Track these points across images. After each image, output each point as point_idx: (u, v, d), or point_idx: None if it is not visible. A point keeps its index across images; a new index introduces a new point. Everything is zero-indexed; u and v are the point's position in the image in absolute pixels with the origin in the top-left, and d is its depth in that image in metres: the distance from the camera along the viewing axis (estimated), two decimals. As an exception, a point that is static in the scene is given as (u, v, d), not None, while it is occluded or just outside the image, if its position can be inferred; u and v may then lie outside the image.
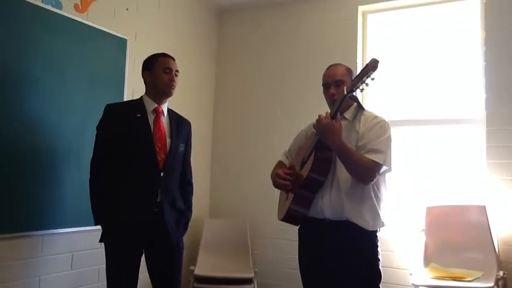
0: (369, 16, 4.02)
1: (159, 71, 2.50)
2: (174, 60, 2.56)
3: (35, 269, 2.80)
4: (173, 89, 2.51)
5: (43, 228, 2.83)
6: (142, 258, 2.50)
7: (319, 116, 2.06)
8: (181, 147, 2.58)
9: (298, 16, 4.21)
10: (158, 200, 2.41)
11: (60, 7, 2.98)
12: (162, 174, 2.43)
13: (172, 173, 2.51)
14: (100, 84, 3.22)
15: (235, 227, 4.05)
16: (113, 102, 3.16)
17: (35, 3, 2.82)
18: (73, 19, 3.05)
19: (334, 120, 2.03)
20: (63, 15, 2.99)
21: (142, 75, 2.58)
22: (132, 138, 2.43)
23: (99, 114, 3.12)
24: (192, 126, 2.75)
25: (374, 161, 2.02)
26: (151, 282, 2.51)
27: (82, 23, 3.11)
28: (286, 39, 4.24)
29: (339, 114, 2.07)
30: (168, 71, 2.49)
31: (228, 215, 4.20)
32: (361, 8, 3.96)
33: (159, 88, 2.51)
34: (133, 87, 3.46)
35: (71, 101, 3.01)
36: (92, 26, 3.18)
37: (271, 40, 4.32)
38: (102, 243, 2.46)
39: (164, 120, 2.53)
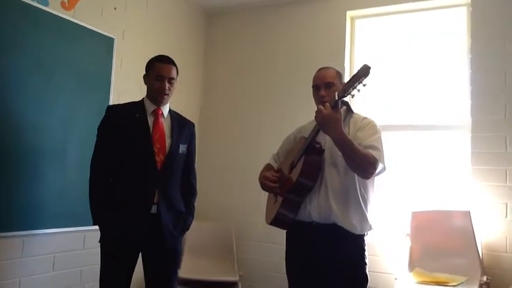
0: (357, 21, 4.04)
1: (152, 77, 2.47)
2: (171, 65, 2.48)
3: (15, 271, 2.74)
4: (163, 97, 2.46)
5: (23, 229, 2.77)
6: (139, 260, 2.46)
7: (318, 108, 2.01)
8: (183, 149, 2.53)
9: (286, 20, 4.21)
10: (155, 201, 2.38)
11: (46, 3, 2.93)
12: (159, 175, 2.40)
13: (172, 174, 2.47)
14: (86, 83, 3.18)
15: (220, 230, 4.03)
16: (99, 101, 3.15)
17: (20, -1, 2.77)
18: (59, 16, 3.01)
19: (334, 110, 1.98)
20: (49, 12, 2.94)
21: (143, 78, 2.54)
22: (130, 138, 2.40)
23: (85, 113, 3.10)
24: None
25: (373, 156, 2.00)
26: (145, 284, 2.47)
27: (68, 20, 3.07)
28: (274, 42, 4.24)
29: (339, 105, 2.01)
30: (159, 78, 2.44)
31: (213, 218, 4.17)
32: (349, 14, 3.99)
33: (152, 94, 2.48)
34: (120, 87, 3.44)
35: (56, 100, 2.97)
36: (78, 24, 3.14)
37: (259, 43, 4.31)
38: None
39: (164, 121, 2.51)
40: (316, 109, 2.01)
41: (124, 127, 2.42)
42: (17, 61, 2.74)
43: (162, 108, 2.50)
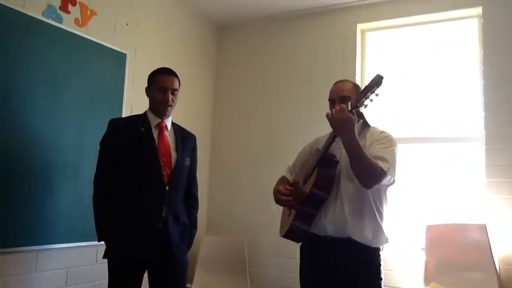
0: (367, 34, 4.04)
1: (154, 90, 2.47)
2: (173, 76, 2.49)
3: (30, 285, 2.73)
4: (167, 109, 2.46)
5: (37, 244, 2.77)
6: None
7: (331, 111, 2.01)
8: (187, 161, 2.53)
9: (297, 33, 4.23)
10: (163, 215, 2.36)
11: (60, 21, 2.98)
12: (167, 189, 2.38)
13: (177, 187, 2.46)
14: (99, 98, 3.21)
15: (232, 244, 4.00)
16: (111, 117, 3.15)
17: (36, 16, 2.82)
18: (73, 33, 3.05)
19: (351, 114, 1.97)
20: (63, 29, 2.99)
21: (145, 91, 2.55)
22: (136, 153, 2.39)
23: (97, 128, 3.11)
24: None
25: (380, 166, 1.99)
26: None
27: (82, 37, 3.11)
28: (285, 55, 4.26)
29: (354, 113, 2.00)
30: (162, 90, 2.44)
31: (225, 231, 4.16)
32: (359, 26, 3.99)
33: (155, 106, 2.49)
34: (132, 102, 3.46)
35: (69, 115, 2.99)
36: (91, 40, 3.18)
37: (270, 55, 4.33)
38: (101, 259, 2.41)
39: (169, 134, 2.50)
40: (327, 123, 2.00)
41: (128, 141, 2.40)
42: (30, 77, 2.77)
43: (165, 121, 2.50)
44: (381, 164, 2.00)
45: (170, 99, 2.45)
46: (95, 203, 2.38)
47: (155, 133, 2.45)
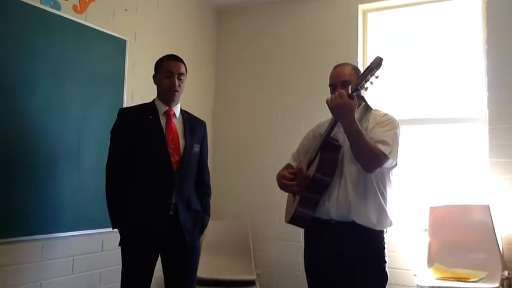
0: (369, 15, 3.99)
1: (161, 75, 2.48)
2: (179, 61, 2.51)
3: (36, 274, 2.76)
4: (174, 94, 2.47)
5: (43, 233, 2.79)
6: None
7: (334, 95, 1.98)
8: (196, 148, 2.55)
9: (298, 15, 4.18)
10: (173, 202, 2.39)
11: (58, 8, 2.94)
12: (176, 175, 2.41)
13: (187, 174, 2.48)
14: (99, 85, 3.19)
15: (237, 229, 4.02)
16: (112, 104, 3.16)
17: (33, 4, 2.78)
18: (72, 20, 3.01)
19: (351, 99, 1.96)
20: (62, 16, 2.95)
21: (153, 78, 2.56)
22: (145, 140, 2.42)
23: (99, 116, 3.12)
24: None
25: (381, 150, 1.98)
26: (165, 283, 2.48)
27: (81, 23, 3.07)
28: (286, 38, 4.21)
29: (354, 97, 1.98)
30: (168, 74, 2.46)
31: (229, 216, 4.17)
32: (361, 7, 3.94)
33: (162, 92, 2.50)
34: (133, 89, 3.44)
35: (70, 103, 2.98)
36: (90, 27, 3.14)
37: (270, 40, 4.29)
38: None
39: (177, 121, 2.52)
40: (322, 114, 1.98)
41: (137, 130, 2.43)
42: (30, 65, 2.75)
43: (173, 108, 2.51)
44: (382, 147, 1.99)
45: (177, 84, 2.46)
46: (107, 191, 2.42)
47: (163, 121, 2.47)
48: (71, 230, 2.95)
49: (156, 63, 2.54)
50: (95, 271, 3.11)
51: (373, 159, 1.99)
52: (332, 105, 1.98)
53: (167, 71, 2.46)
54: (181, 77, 2.49)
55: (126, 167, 2.41)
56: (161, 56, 2.55)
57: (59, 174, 2.89)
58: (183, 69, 2.51)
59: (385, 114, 2.17)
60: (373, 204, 2.06)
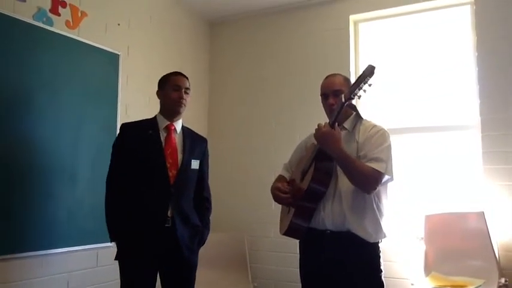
0: (360, 25, 4.03)
1: (168, 90, 2.53)
2: (185, 78, 2.58)
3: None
4: (181, 106, 2.53)
5: (40, 249, 2.77)
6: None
7: (318, 125, 2.05)
8: (195, 164, 2.58)
9: (290, 26, 4.21)
10: (169, 215, 2.41)
11: (51, 24, 2.95)
12: (172, 189, 2.43)
13: (184, 189, 2.51)
14: (93, 100, 3.19)
15: (233, 241, 4.00)
16: (106, 118, 3.16)
17: (26, 20, 2.79)
18: (65, 35, 3.02)
19: (333, 128, 2.00)
20: (55, 32, 2.96)
21: (156, 94, 2.61)
22: (143, 154, 2.45)
23: (93, 130, 3.12)
24: None
25: (375, 169, 1.99)
26: None
27: (74, 39, 3.09)
28: (278, 49, 4.24)
29: (337, 122, 2.04)
30: (176, 88, 2.52)
31: (226, 229, 4.16)
32: (352, 18, 3.98)
33: (168, 106, 2.54)
34: (127, 103, 3.44)
35: (64, 118, 2.98)
36: (83, 42, 3.15)
37: (263, 50, 4.32)
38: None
39: (177, 136, 2.56)
40: (323, 117, 2.00)
41: (137, 144, 2.47)
42: (24, 81, 2.75)
43: (175, 123, 2.56)
44: (377, 165, 1.99)
45: (184, 97, 2.53)
46: (107, 203, 2.45)
47: (163, 135, 2.52)
48: (67, 246, 2.92)
49: (162, 79, 2.59)
50: (90, 287, 3.08)
51: (368, 181, 2.00)
52: (316, 136, 2.04)
53: (175, 85, 2.52)
54: (188, 91, 2.57)
55: (125, 180, 2.44)
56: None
57: (52, 189, 2.87)
58: (188, 85, 2.58)
59: (374, 126, 2.16)
60: (368, 216, 2.06)
